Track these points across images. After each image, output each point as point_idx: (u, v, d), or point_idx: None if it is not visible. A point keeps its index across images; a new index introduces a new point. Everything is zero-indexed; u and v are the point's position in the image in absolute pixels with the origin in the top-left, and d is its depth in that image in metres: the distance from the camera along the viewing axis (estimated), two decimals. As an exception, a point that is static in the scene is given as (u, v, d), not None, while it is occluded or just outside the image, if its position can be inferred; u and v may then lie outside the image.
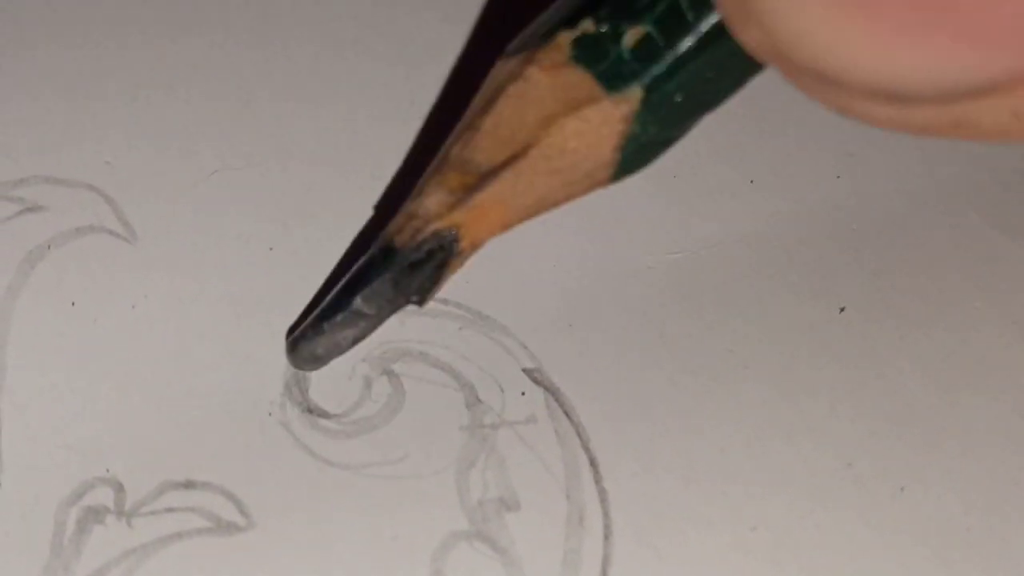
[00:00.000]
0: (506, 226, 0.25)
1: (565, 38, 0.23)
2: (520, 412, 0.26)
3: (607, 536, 0.25)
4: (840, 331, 0.28)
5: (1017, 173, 0.31)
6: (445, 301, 0.28)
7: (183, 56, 0.31)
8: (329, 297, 0.25)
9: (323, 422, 0.26)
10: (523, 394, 0.27)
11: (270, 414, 0.26)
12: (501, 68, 0.25)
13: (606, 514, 0.25)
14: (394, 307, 0.25)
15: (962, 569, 0.25)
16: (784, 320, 0.28)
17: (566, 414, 0.26)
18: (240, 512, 0.25)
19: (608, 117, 0.23)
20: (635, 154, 0.24)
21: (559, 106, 0.23)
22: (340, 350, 0.26)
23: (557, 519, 0.25)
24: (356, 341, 0.26)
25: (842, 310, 0.28)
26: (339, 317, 0.25)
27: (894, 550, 0.25)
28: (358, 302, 0.25)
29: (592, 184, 0.24)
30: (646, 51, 0.23)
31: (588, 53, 0.23)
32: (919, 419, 0.27)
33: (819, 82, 0.20)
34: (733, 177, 0.30)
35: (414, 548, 0.25)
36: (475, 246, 0.25)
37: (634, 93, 0.23)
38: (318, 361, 0.26)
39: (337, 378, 0.27)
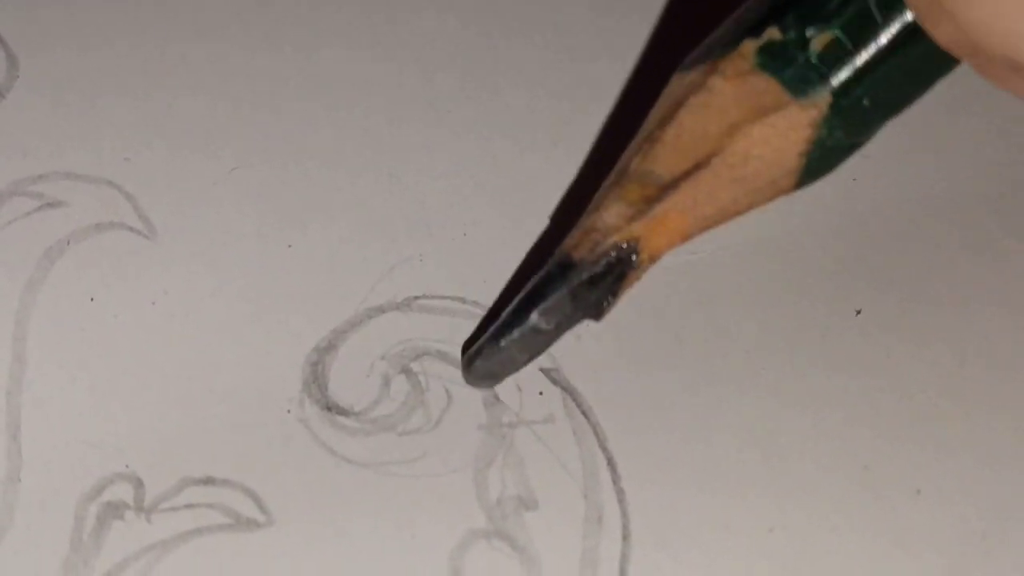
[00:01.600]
0: (686, 237, 0.25)
1: (750, 47, 0.23)
2: (538, 412, 0.27)
3: (625, 536, 0.25)
4: (856, 334, 0.28)
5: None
6: (463, 299, 0.28)
7: (203, 54, 0.31)
8: (506, 313, 0.25)
9: (342, 419, 0.26)
10: (541, 394, 0.27)
11: (289, 411, 0.26)
12: (680, 80, 0.25)
13: (624, 514, 0.25)
14: (572, 322, 0.25)
15: (976, 573, 0.25)
16: (800, 322, 0.28)
17: (583, 414, 0.26)
18: (259, 509, 0.25)
19: (795, 123, 0.23)
20: (820, 160, 0.24)
21: (744, 114, 0.23)
22: (516, 367, 0.26)
23: (575, 518, 0.25)
24: (532, 357, 0.25)
25: (858, 313, 0.28)
26: (516, 333, 0.25)
27: (909, 553, 0.25)
28: (535, 317, 0.25)
29: (775, 192, 0.24)
30: (834, 55, 0.23)
31: (774, 60, 0.23)
32: (935, 423, 0.27)
33: (1013, 72, 0.20)
34: (750, 179, 0.30)
35: (433, 546, 0.25)
36: (654, 259, 0.25)
37: (822, 98, 0.23)
38: (494, 378, 0.26)
39: (356, 376, 0.27)
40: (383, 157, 0.30)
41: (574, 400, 0.27)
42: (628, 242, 0.24)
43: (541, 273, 0.25)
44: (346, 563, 0.25)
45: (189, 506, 0.25)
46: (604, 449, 0.26)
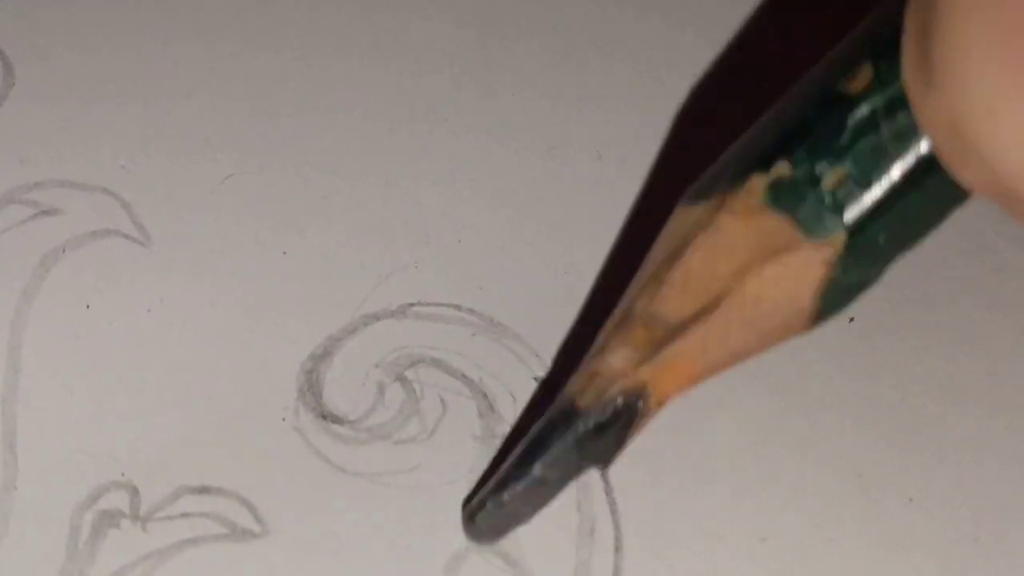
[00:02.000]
0: (696, 381, 0.23)
1: (758, 183, 0.22)
2: (532, 422, 0.26)
3: (618, 548, 0.25)
4: (850, 341, 0.28)
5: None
6: (458, 307, 0.28)
7: (199, 61, 0.31)
8: (507, 464, 0.24)
9: (337, 428, 0.26)
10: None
11: (284, 419, 0.26)
12: (685, 215, 0.23)
13: (616, 526, 0.25)
14: (578, 471, 0.24)
15: (969, 581, 0.26)
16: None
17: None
18: (254, 518, 0.25)
19: (808, 263, 0.22)
20: (835, 299, 0.23)
21: (755, 254, 0.22)
22: (520, 521, 0.24)
23: (568, 531, 0.25)
24: (538, 509, 0.24)
25: (851, 320, 0.28)
26: (520, 486, 0.24)
27: (903, 560, 0.25)
28: (539, 469, 0.23)
29: (788, 333, 0.23)
30: (848, 192, 0.21)
31: (785, 197, 0.22)
32: (928, 429, 0.27)
33: None
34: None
35: (427, 559, 0.25)
36: (662, 404, 0.23)
37: (837, 237, 0.22)
38: (497, 534, 0.25)
39: (351, 384, 0.27)
40: (379, 164, 0.30)
41: (568, 410, 0.27)
42: (636, 388, 0.23)
43: (543, 421, 0.24)
44: (340, 573, 0.25)
45: (185, 515, 0.25)
46: (597, 460, 0.26)
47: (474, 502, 0.24)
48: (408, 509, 0.25)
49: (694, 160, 0.24)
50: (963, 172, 0.19)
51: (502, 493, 0.24)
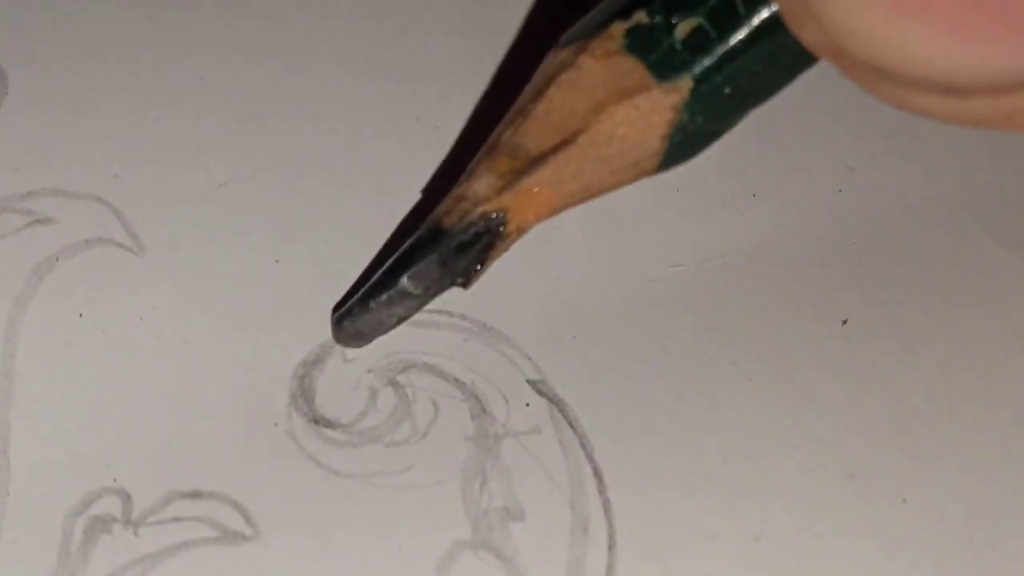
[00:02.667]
0: (553, 211, 0.25)
1: (618, 28, 0.24)
2: (524, 423, 0.27)
3: (611, 546, 0.25)
4: (842, 343, 0.28)
5: (1018, 185, 0.31)
6: (450, 312, 0.28)
7: (191, 70, 0.31)
8: (376, 276, 0.26)
9: (329, 432, 0.26)
10: (527, 405, 0.27)
11: (276, 424, 0.26)
12: (553, 58, 0.25)
13: (610, 524, 0.25)
14: (440, 288, 0.26)
15: (964, 580, 0.26)
16: (786, 332, 0.28)
17: (570, 425, 0.27)
18: (246, 521, 0.25)
19: (657, 105, 0.24)
20: (682, 144, 0.24)
21: (610, 94, 0.24)
22: (384, 328, 0.26)
23: (561, 529, 0.25)
24: (401, 320, 0.26)
25: (844, 322, 0.29)
26: (385, 296, 0.25)
27: (896, 561, 0.26)
28: (405, 281, 0.25)
29: (638, 172, 0.25)
30: (697, 43, 0.23)
31: (640, 43, 0.24)
32: (921, 430, 0.27)
33: (876, 76, 0.20)
34: (735, 191, 0.30)
35: (419, 557, 0.25)
36: (521, 230, 0.25)
37: (684, 83, 0.23)
38: (362, 339, 0.27)
39: (343, 388, 0.27)
40: (369, 172, 0.30)
41: (560, 411, 0.27)
42: (497, 212, 0.25)
43: (412, 239, 0.26)
44: (333, 575, 0.25)
45: (176, 519, 0.25)
46: (590, 460, 0.26)
47: (343, 309, 0.26)
48: (400, 510, 0.25)
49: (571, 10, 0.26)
50: (802, 32, 0.21)
51: (369, 301, 0.26)
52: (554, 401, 0.27)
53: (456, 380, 0.27)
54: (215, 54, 0.32)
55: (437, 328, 0.28)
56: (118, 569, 0.24)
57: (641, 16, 0.24)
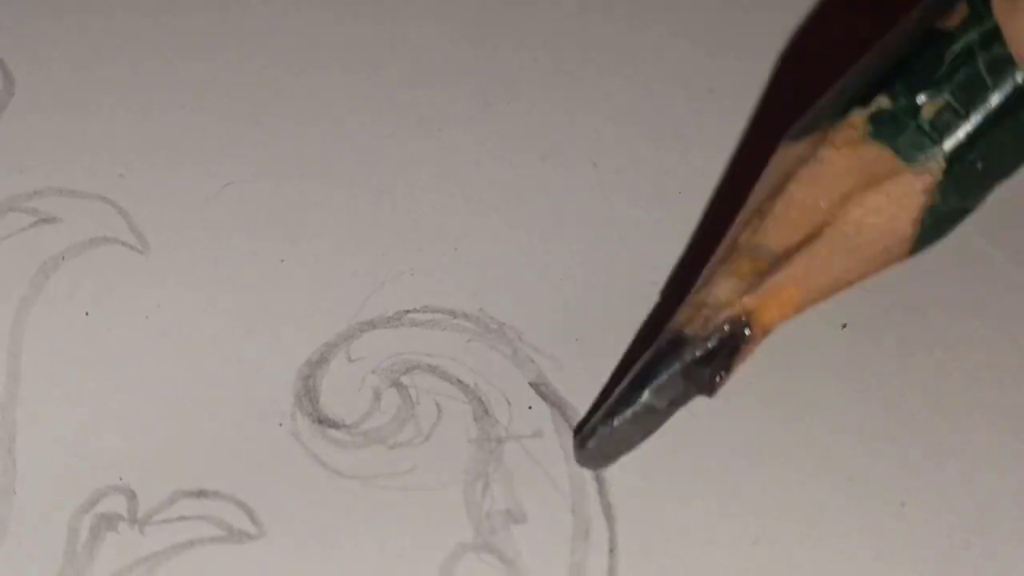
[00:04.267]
0: (799, 309, 0.24)
1: (859, 116, 0.24)
2: (527, 426, 0.27)
3: (612, 550, 0.25)
4: (842, 348, 0.28)
5: (1018, 191, 0.31)
6: (453, 314, 0.28)
7: (196, 71, 0.31)
8: (617, 392, 0.25)
9: (333, 432, 0.26)
10: (530, 408, 0.27)
11: (281, 424, 0.27)
12: (787, 152, 0.25)
13: (611, 528, 0.25)
14: (685, 398, 0.25)
15: (960, 584, 0.26)
16: (786, 336, 0.28)
17: (572, 429, 0.27)
18: (251, 521, 0.25)
19: (909, 190, 0.23)
20: (934, 226, 0.24)
21: (857, 183, 0.23)
22: (630, 446, 0.25)
23: (563, 532, 0.25)
24: (646, 436, 0.25)
25: (843, 326, 0.29)
26: (629, 413, 0.24)
27: (894, 565, 0.26)
28: (648, 396, 0.24)
29: (889, 259, 0.24)
30: (946, 121, 0.23)
31: (885, 128, 0.23)
32: (919, 435, 0.27)
33: None
34: (737, 194, 0.31)
35: (422, 559, 0.25)
36: (767, 331, 0.24)
37: (936, 164, 0.23)
38: (607, 459, 0.25)
39: (347, 389, 0.27)
40: (374, 173, 0.30)
41: (562, 415, 0.27)
42: (741, 316, 0.24)
43: (652, 350, 0.25)
44: (337, 575, 0.25)
45: (182, 518, 0.25)
46: (591, 464, 0.26)
47: (585, 428, 0.25)
48: (403, 511, 0.25)
49: (793, 104, 0.26)
50: None
51: (612, 419, 0.24)
52: (556, 404, 0.27)
53: (459, 382, 0.27)
54: (220, 55, 0.32)
55: (441, 329, 0.28)
56: (124, 567, 0.24)
57: (882, 101, 0.23)
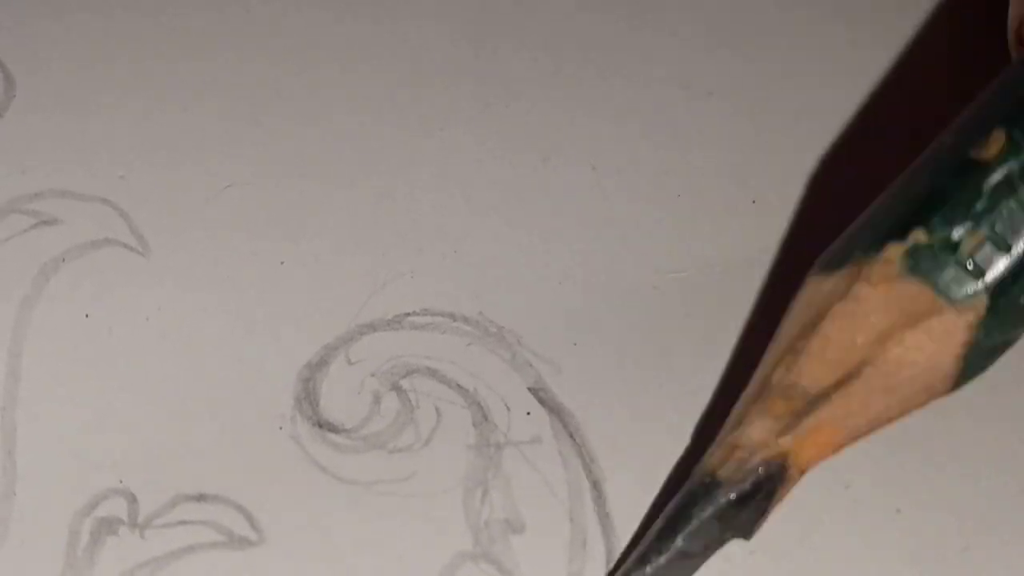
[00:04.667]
0: (838, 449, 0.24)
1: (895, 251, 0.23)
2: (525, 432, 0.27)
3: (610, 560, 0.25)
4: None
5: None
6: (453, 317, 0.28)
7: (197, 72, 0.31)
8: (649, 537, 0.23)
9: (333, 436, 0.27)
10: (528, 414, 0.27)
11: (281, 428, 0.27)
12: (818, 286, 0.24)
13: (608, 538, 0.26)
14: (720, 543, 0.24)
15: (956, 590, 0.26)
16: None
17: (570, 435, 0.27)
18: (251, 526, 0.25)
19: (951, 328, 0.22)
20: (979, 361, 0.23)
21: (895, 321, 0.23)
22: None
23: (561, 542, 0.25)
24: None
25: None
26: (663, 559, 0.23)
27: (891, 571, 0.26)
28: (681, 541, 0.23)
29: (930, 396, 0.23)
30: (987, 255, 0.22)
31: (923, 264, 0.22)
32: (916, 441, 0.27)
33: None
34: (736, 197, 0.31)
35: (422, 567, 0.25)
36: (803, 472, 0.24)
37: (979, 300, 0.22)
38: None
39: (347, 393, 0.27)
40: (374, 174, 0.30)
41: (561, 421, 0.27)
42: (777, 458, 0.23)
43: (683, 494, 0.23)
44: (336, 582, 0.25)
45: (182, 523, 0.25)
46: (590, 471, 0.26)
47: (619, 574, 0.24)
48: (403, 518, 0.26)
49: (819, 234, 0.25)
50: None
51: (645, 567, 0.23)
52: (555, 410, 0.27)
53: (459, 386, 0.27)
54: (220, 56, 0.32)
55: (441, 332, 0.28)
56: (124, 571, 0.25)
57: (919, 235, 0.22)
